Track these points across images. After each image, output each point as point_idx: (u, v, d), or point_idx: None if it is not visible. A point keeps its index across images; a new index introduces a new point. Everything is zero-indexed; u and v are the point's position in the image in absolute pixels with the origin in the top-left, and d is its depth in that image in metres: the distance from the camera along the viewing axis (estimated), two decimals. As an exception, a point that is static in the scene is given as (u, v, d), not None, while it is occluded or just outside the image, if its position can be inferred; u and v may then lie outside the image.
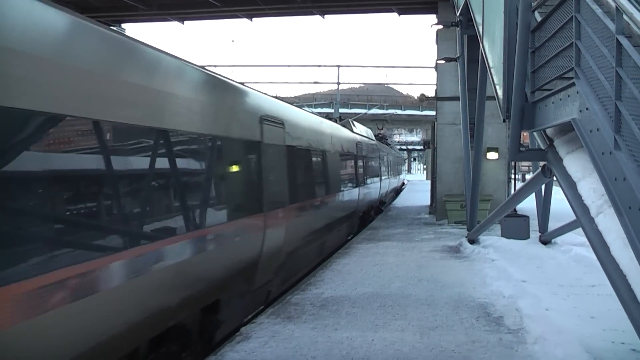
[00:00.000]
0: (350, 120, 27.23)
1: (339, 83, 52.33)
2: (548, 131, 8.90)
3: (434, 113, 30.50)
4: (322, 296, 10.76)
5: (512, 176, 25.51)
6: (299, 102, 57.55)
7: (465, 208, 19.54)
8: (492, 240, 16.27)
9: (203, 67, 9.51)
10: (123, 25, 32.30)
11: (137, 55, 7.04)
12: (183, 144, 7.80)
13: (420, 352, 7.64)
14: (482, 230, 16.36)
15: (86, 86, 5.54)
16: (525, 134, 11.32)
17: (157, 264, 6.74)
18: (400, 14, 29.22)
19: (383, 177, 32.61)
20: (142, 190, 6.82)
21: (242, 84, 11.33)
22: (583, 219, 6.84)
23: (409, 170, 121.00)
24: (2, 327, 4.37)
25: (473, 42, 17.11)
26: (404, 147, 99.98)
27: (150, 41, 7.59)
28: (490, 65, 11.73)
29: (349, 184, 20.92)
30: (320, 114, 24.37)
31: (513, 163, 24.60)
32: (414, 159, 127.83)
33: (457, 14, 18.76)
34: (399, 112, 76.37)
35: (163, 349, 7.40)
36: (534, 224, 16.89)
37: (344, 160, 20.57)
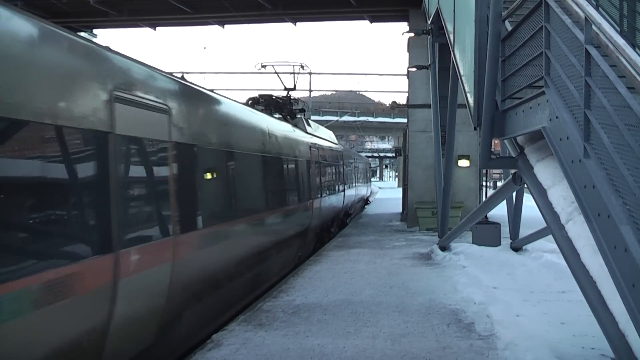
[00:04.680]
0: None
1: (310, 90, 52.38)
2: (519, 139, 8.97)
3: (405, 120, 30.61)
4: (293, 303, 10.73)
5: (484, 183, 25.72)
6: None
7: (437, 215, 19.65)
8: (464, 247, 16.35)
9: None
10: (95, 31, 32.11)
11: None
12: None
13: (391, 358, 7.64)
14: (453, 238, 16.44)
15: None
16: (496, 141, 11.41)
17: None
18: (371, 21, 29.36)
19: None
20: None
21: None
22: (553, 226, 6.90)
23: (381, 178, 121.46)
24: None
25: (444, 50, 17.23)
26: (375, 154, 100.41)
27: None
28: (461, 73, 11.81)
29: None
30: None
31: (484, 170, 24.81)
32: (386, 166, 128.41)
33: (429, 22, 18.90)
34: (371, 119, 76.83)
35: None
36: (505, 231, 17.00)
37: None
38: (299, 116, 20.83)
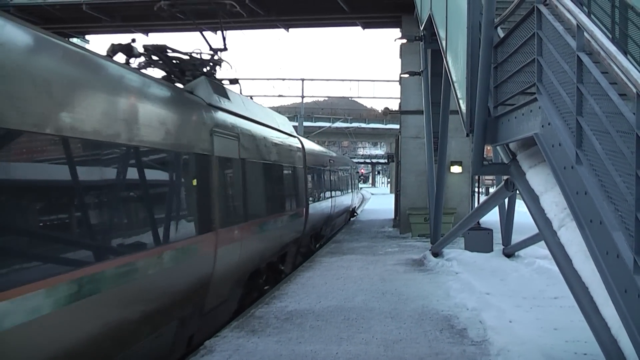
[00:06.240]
0: None
1: (303, 96, 52.50)
2: (511, 145, 8.98)
3: (397, 127, 30.65)
4: (286, 309, 10.72)
5: (476, 190, 25.77)
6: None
7: (429, 221, 19.66)
8: (456, 253, 16.36)
9: None
10: (87, 37, 32.09)
11: None
12: None
13: (385, 365, 7.66)
14: (445, 244, 16.45)
15: None
16: (488, 147, 11.44)
17: None
18: (364, 27, 29.41)
19: None
20: None
21: None
22: (546, 232, 6.91)
23: (373, 184, 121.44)
24: None
25: (437, 57, 17.26)
26: (368, 160, 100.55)
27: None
28: (454, 79, 11.83)
29: None
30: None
31: (477, 177, 24.84)
32: (378, 173, 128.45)
33: (421, 29, 18.92)
34: (363, 125, 76.99)
35: None
36: (497, 237, 17.04)
37: None
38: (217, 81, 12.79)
